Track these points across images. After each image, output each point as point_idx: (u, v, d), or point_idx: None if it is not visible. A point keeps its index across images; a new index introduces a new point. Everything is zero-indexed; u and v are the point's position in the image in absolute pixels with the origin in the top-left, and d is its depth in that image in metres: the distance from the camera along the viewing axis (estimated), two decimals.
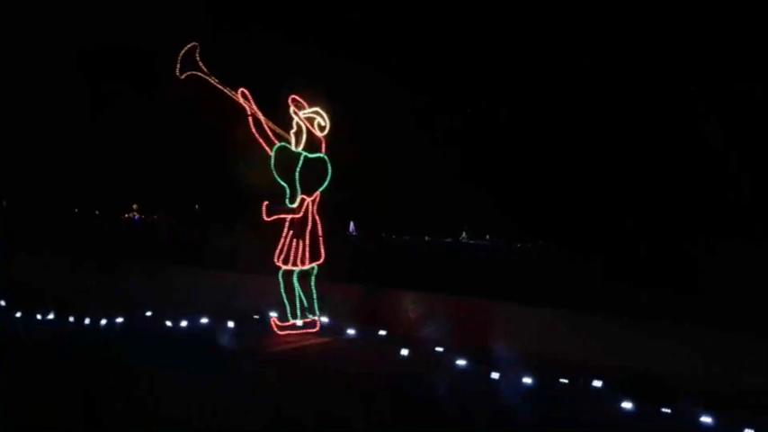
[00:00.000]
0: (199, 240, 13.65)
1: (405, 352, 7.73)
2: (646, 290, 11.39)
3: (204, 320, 8.95)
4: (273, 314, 8.87)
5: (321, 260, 8.89)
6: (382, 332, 8.83)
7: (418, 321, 8.98)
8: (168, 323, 8.78)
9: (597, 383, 6.78)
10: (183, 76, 8.26)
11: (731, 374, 7.14)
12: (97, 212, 21.13)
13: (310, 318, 8.89)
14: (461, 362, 7.38)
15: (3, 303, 9.21)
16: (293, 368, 7.26)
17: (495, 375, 6.90)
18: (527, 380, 6.80)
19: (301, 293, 8.86)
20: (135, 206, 19.19)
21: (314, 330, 8.85)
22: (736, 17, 14.67)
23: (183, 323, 8.79)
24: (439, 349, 7.99)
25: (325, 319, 9.12)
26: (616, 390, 6.46)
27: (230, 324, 8.84)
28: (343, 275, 10.00)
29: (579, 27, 17.31)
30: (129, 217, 18.83)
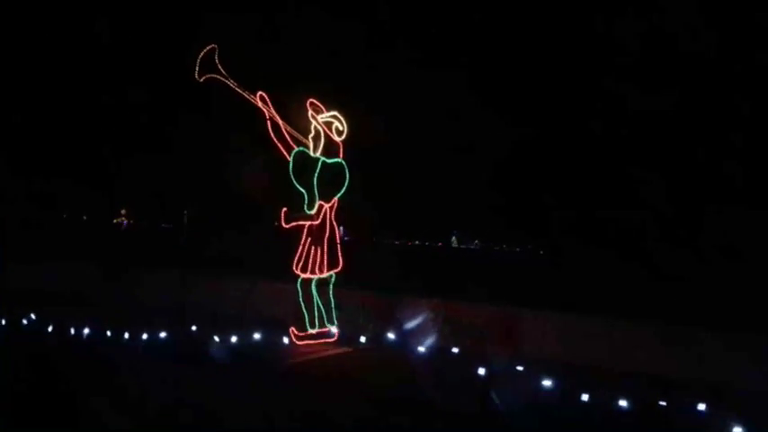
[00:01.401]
0: (199, 245, 13.30)
1: (476, 371, 7.13)
2: (646, 290, 11.38)
3: (216, 329, 8.57)
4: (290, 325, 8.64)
5: (339, 268, 8.70)
6: (400, 340, 8.66)
7: (438, 329, 8.84)
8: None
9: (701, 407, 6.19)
10: (201, 79, 8.03)
11: (731, 374, 7.12)
12: (84, 217, 20.64)
13: (329, 327, 8.68)
14: (546, 382, 6.78)
15: (33, 316, 8.84)
16: (315, 380, 7.06)
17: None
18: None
19: (319, 302, 8.64)
20: (123, 211, 18.71)
21: (332, 340, 8.65)
22: (737, 16, 14.79)
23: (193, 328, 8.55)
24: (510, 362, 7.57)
25: (341, 328, 8.90)
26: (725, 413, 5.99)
27: (244, 333, 8.53)
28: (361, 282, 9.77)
29: (578, 28, 17.36)
30: (117, 222, 18.33)
